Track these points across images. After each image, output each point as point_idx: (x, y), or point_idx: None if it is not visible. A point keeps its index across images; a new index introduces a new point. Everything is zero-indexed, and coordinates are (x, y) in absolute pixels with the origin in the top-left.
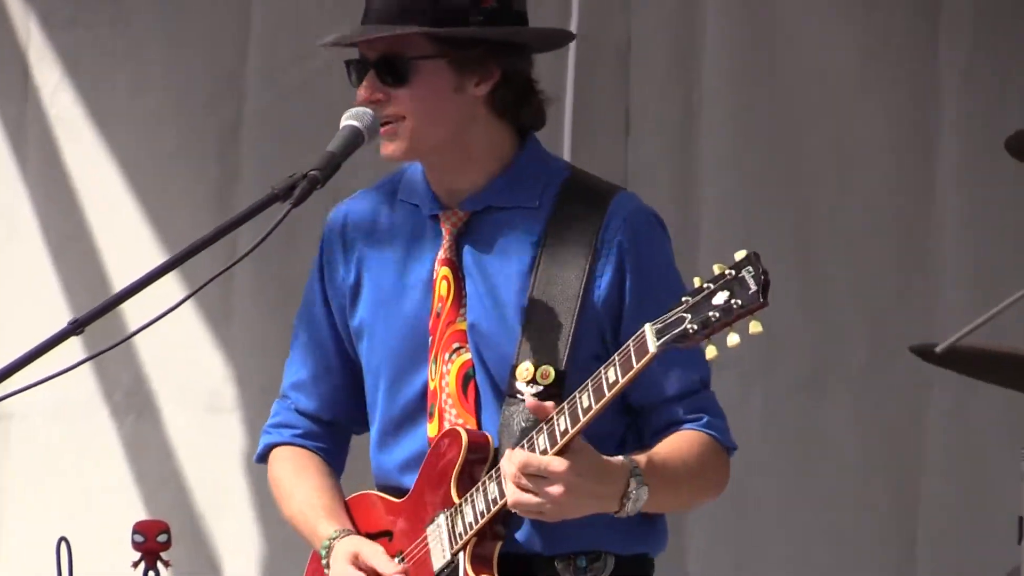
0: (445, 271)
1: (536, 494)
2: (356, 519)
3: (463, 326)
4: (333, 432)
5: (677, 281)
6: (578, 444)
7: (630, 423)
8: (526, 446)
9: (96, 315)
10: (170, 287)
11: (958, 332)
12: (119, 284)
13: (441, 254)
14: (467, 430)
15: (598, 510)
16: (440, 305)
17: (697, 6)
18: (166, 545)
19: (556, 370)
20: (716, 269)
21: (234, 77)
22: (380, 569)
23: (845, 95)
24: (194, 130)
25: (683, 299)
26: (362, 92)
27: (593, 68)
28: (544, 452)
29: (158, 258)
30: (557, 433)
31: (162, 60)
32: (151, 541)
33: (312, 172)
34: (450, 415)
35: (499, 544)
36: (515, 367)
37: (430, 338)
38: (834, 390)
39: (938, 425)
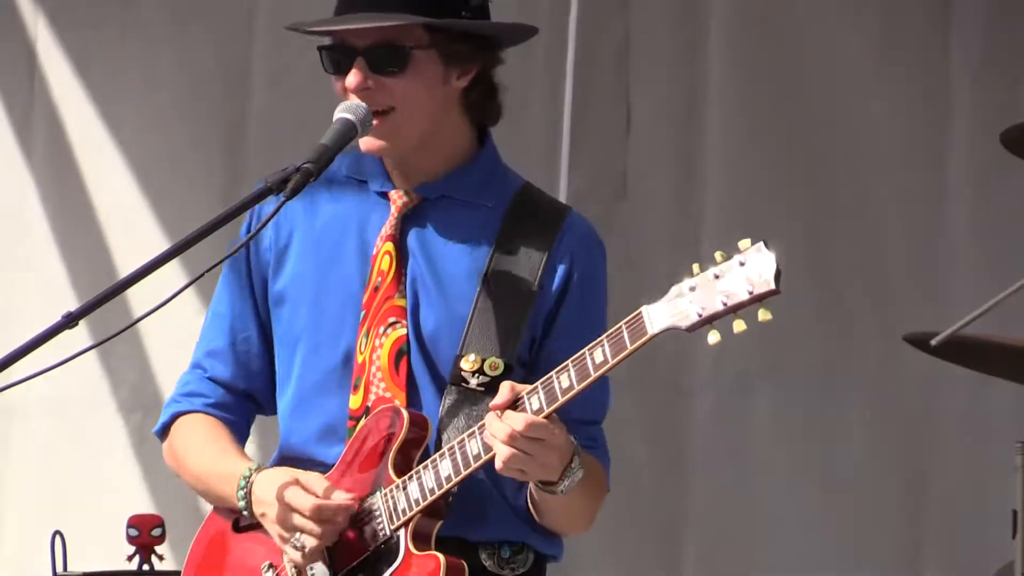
0: (389, 247)
1: (532, 456)
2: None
3: (402, 303)
4: (244, 407)
5: (605, 309)
6: (552, 416)
7: None
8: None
9: (89, 308)
10: (174, 282)
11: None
12: None
13: (386, 230)
14: (408, 410)
15: (547, 476)
16: (380, 279)
17: (698, 3)
18: (160, 539)
19: (505, 364)
20: (719, 256)
21: (241, 75)
22: (324, 495)
23: (854, 93)
24: (201, 127)
25: (686, 283)
26: (354, 79)
27: (593, 65)
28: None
29: None
30: (529, 411)
31: (169, 58)
32: (145, 535)
33: (306, 164)
34: (378, 389)
35: (439, 524)
36: (460, 356)
37: (363, 312)
38: (846, 387)
39: (950, 420)
